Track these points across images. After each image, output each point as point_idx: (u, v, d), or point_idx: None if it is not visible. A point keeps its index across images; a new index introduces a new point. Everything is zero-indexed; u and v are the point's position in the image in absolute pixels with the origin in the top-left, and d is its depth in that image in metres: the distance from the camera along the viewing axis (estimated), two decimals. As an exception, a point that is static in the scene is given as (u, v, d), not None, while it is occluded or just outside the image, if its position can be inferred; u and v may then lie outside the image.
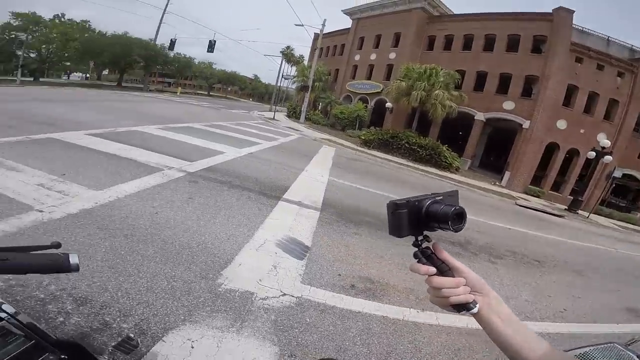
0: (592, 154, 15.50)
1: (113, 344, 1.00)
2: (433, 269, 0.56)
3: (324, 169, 7.65)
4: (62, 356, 0.65)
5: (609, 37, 20.75)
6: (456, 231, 0.54)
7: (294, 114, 26.40)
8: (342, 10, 31.12)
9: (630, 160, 20.11)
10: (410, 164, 15.16)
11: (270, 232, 3.28)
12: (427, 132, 21.10)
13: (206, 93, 55.70)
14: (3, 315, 0.64)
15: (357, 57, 29.04)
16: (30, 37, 31.76)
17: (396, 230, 0.54)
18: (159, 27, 35.87)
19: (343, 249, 3.38)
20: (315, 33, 30.06)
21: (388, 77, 24.59)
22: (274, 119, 20.63)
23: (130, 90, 25.94)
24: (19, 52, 30.84)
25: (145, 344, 1.59)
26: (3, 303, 0.66)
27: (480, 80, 21.35)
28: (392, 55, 25.32)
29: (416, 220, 0.55)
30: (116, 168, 4.14)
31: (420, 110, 20.04)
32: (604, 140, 15.55)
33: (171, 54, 38.42)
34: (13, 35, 31.70)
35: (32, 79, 33.34)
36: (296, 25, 23.50)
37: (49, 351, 0.64)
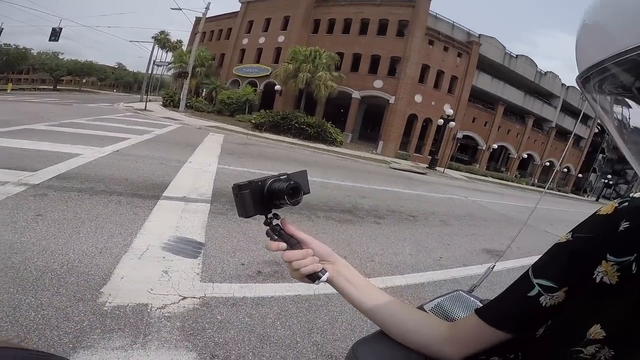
0: (441, 121, 19.04)
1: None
2: (284, 245, 0.58)
3: (211, 157, 7.12)
4: None
5: (454, 22, 25.25)
6: (294, 205, 0.57)
7: (171, 103, 23.67)
8: (231, -6, 28.76)
9: (468, 124, 25.60)
10: (301, 142, 15.69)
11: (153, 235, 2.85)
12: (313, 111, 22.06)
13: (52, 87, 44.90)
14: None
15: (245, 41, 27.74)
16: None
17: (243, 211, 0.55)
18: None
19: (242, 237, 3.22)
20: (197, 17, 27.40)
21: (277, 61, 24.48)
22: (145, 109, 18.05)
23: None
24: None
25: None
26: None
27: (356, 61, 23.31)
28: (281, 39, 25.18)
29: (261, 200, 0.57)
30: None
31: (307, 91, 20.71)
32: (449, 110, 19.21)
33: (-5, 44, 29.44)
34: None
35: None
36: (172, 9, 20.71)
37: None
